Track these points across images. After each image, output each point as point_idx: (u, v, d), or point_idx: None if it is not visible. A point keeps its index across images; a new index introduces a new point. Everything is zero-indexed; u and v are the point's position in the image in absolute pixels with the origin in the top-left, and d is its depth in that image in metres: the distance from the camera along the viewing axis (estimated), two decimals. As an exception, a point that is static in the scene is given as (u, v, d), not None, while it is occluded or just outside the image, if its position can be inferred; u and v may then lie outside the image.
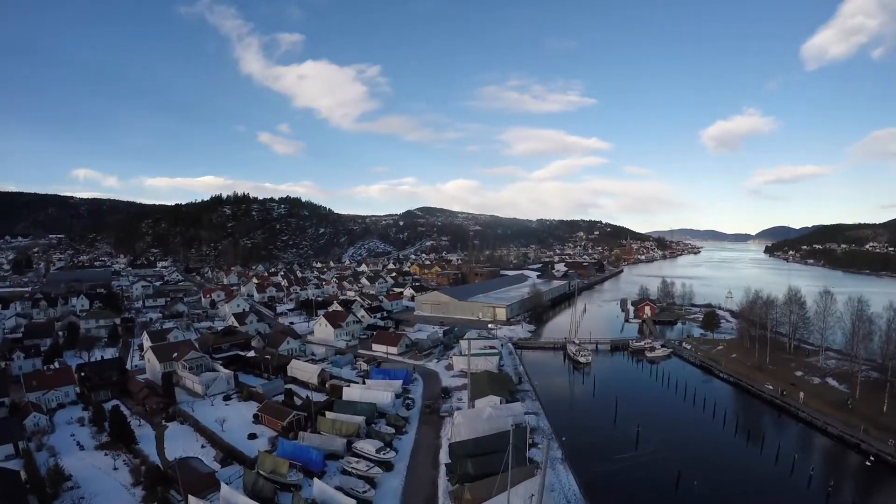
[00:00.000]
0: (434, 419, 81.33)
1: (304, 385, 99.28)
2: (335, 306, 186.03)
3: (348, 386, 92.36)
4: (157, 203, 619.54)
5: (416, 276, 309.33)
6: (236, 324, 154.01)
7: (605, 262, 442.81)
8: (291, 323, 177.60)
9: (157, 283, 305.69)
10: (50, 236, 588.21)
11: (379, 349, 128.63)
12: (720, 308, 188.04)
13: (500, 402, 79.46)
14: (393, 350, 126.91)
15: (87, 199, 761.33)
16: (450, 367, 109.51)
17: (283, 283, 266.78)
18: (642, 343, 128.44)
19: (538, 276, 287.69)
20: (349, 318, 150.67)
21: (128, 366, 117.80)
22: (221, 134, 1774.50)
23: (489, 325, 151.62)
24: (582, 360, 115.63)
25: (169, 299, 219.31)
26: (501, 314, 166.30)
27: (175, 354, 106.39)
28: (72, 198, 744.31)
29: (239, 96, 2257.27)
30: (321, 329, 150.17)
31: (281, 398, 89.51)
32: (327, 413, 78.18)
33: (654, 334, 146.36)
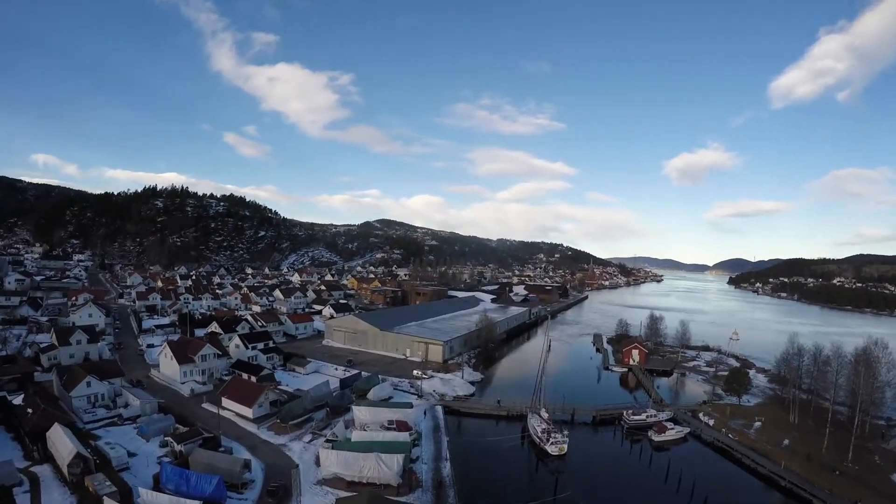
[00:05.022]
0: None
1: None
2: (214, 326, 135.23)
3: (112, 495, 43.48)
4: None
5: (349, 291, 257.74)
6: (55, 343, 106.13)
7: (569, 287, 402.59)
8: (149, 346, 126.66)
9: (39, 279, 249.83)
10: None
11: (231, 406, 78.99)
12: (720, 352, 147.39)
13: None
14: (246, 411, 77.37)
15: (38, 184, 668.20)
16: (319, 462, 60.48)
17: (174, 290, 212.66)
18: (643, 416, 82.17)
19: (493, 300, 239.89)
20: (205, 350, 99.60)
21: None
22: (187, 130, 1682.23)
23: (414, 372, 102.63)
24: (553, 450, 68.44)
25: (23, 299, 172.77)
26: (436, 353, 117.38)
27: None
28: (20, 181, 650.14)
29: (207, 93, 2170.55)
30: (166, 362, 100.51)
31: None
32: None
33: (652, 395, 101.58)
